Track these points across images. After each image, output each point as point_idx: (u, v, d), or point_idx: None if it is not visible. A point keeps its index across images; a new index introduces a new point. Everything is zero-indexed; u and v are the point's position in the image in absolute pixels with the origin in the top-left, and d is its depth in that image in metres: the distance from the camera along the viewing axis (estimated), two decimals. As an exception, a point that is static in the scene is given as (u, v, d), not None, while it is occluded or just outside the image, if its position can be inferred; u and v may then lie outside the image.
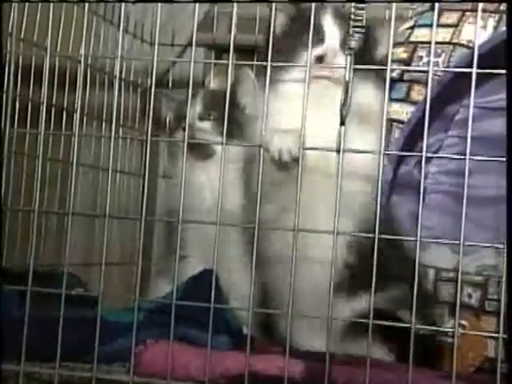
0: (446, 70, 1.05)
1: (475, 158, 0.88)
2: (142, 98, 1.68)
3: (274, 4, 1.11)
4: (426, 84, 0.93)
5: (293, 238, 0.94)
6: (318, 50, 1.16)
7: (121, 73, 1.49)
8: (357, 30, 0.96)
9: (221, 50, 1.86)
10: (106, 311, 1.06)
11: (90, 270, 1.47)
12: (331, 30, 1.18)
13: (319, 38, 1.17)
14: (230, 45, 1.05)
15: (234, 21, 1.07)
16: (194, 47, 1.11)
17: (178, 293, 1.01)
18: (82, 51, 1.13)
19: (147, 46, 1.68)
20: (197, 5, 1.10)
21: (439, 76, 1.12)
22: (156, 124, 1.51)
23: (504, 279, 0.85)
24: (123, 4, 1.25)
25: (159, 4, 1.11)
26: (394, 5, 0.93)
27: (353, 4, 0.97)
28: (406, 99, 1.18)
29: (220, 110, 1.34)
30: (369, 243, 0.93)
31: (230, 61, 1.03)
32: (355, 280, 1.15)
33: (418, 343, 0.90)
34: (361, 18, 0.96)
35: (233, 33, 1.07)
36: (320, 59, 1.16)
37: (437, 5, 0.95)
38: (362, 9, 0.96)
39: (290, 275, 0.94)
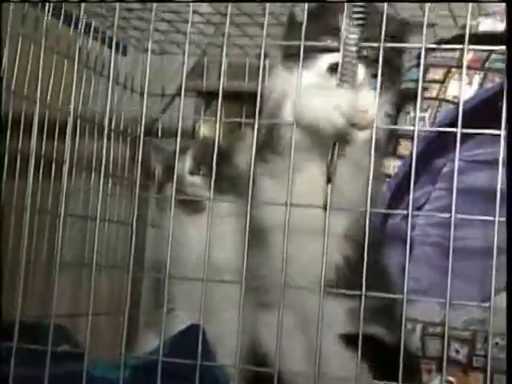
0: (431, 129, 1.06)
1: (460, 215, 0.89)
2: (132, 146, 1.69)
3: (263, 47, 1.10)
4: (412, 139, 0.94)
5: (280, 294, 0.94)
6: (334, 57, 1.05)
7: (110, 123, 1.50)
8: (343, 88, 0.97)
9: (211, 96, 1.88)
10: (92, 365, 1.05)
11: (77, 319, 1.46)
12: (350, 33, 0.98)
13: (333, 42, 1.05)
14: (219, 92, 1.06)
15: (224, 68, 1.09)
16: (182, 98, 1.12)
17: (165, 348, 1.00)
18: (72, 105, 1.14)
19: (137, 96, 1.69)
20: (186, 55, 1.11)
21: (426, 131, 1.14)
22: (145, 174, 1.52)
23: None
24: (113, 56, 1.27)
25: (149, 54, 1.12)
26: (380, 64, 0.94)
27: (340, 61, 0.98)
28: (393, 153, 1.19)
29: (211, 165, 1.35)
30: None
31: (218, 117, 1.04)
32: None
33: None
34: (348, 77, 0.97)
35: (221, 86, 1.09)
36: (334, 68, 1.04)
37: (422, 61, 0.96)
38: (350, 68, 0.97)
39: (278, 328, 0.95)
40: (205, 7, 1.44)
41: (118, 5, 1.13)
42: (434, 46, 0.92)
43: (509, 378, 0.85)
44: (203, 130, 1.89)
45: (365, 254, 0.94)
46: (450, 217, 0.89)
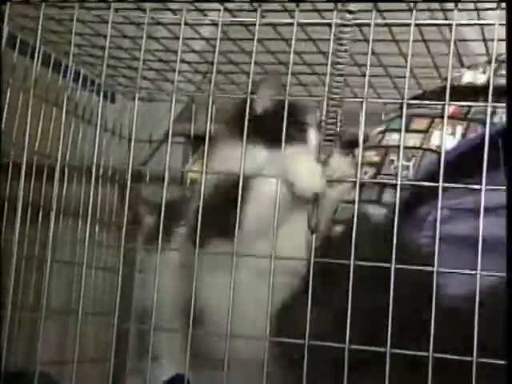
0: (414, 183, 1.07)
1: (444, 270, 0.91)
2: (120, 193, 1.69)
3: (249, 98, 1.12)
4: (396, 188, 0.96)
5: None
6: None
7: (98, 170, 1.51)
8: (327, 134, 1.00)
9: (199, 141, 1.89)
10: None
11: (63, 367, 1.45)
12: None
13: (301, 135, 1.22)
14: (206, 141, 1.08)
15: (210, 114, 1.10)
16: (168, 147, 1.13)
17: (150, 400, 1.00)
18: (60, 152, 1.15)
19: (125, 142, 1.70)
20: (172, 105, 1.13)
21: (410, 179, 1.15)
22: (134, 217, 1.52)
23: None
24: (101, 104, 1.28)
25: (136, 102, 1.13)
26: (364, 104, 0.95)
27: (324, 111, 1.00)
28: (378, 202, 1.19)
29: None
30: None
31: (204, 167, 1.05)
32: None
33: None
34: (331, 126, 1.00)
35: (207, 135, 1.10)
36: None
37: (405, 110, 0.98)
38: (333, 117, 0.99)
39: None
40: (192, 56, 1.47)
41: (106, 54, 1.15)
42: (415, 102, 0.94)
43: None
44: (191, 175, 1.89)
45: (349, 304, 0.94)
46: (433, 271, 0.91)
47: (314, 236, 0.97)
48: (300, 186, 1.06)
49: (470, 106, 1.04)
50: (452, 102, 0.89)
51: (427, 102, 0.96)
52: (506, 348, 0.87)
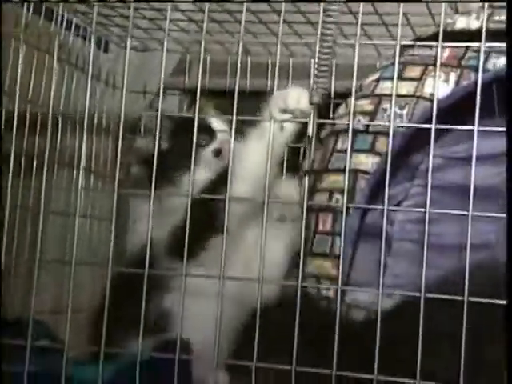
0: (406, 125, 1.07)
1: (433, 210, 0.91)
2: (114, 142, 1.69)
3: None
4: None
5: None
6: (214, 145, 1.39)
7: (92, 120, 1.50)
8: (320, 84, 0.98)
9: (194, 93, 1.88)
10: (74, 363, 1.06)
11: (59, 316, 1.46)
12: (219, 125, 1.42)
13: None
14: (205, 89, 1.07)
15: (201, 65, 1.09)
16: (161, 98, 1.13)
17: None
18: (51, 101, 1.14)
19: (119, 92, 1.69)
20: (164, 53, 1.12)
21: (403, 127, 1.14)
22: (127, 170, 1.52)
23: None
24: (92, 52, 1.27)
25: (128, 50, 1.13)
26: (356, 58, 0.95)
27: (316, 58, 1.00)
28: (371, 150, 1.19)
29: None
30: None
31: (196, 115, 1.05)
32: None
33: None
34: (324, 73, 0.99)
35: (199, 84, 1.10)
36: (218, 153, 1.39)
37: (397, 58, 0.97)
38: (326, 64, 0.98)
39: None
40: (186, 4, 1.45)
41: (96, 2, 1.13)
42: (408, 42, 0.93)
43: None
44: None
45: (341, 251, 0.95)
46: (425, 212, 0.91)
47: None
48: (290, 103, 1.12)
49: (465, 50, 1.03)
50: (445, 44, 0.88)
51: (420, 43, 0.94)
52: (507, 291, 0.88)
